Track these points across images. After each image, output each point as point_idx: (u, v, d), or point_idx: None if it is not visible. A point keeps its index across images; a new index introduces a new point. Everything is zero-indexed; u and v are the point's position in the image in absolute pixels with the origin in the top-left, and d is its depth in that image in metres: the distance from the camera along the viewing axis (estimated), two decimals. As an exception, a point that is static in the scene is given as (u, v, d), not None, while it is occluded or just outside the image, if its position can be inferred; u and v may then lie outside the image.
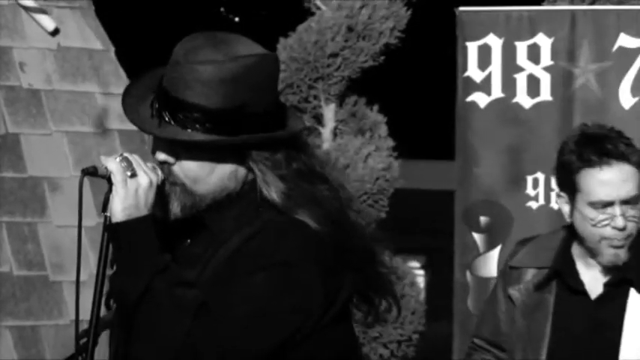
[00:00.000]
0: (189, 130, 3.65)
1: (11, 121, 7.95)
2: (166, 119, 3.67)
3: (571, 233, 4.97)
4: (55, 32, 8.29)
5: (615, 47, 6.95)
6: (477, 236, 7.19)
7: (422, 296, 9.40)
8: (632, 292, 4.88)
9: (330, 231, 3.66)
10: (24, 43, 8.24)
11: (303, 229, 3.63)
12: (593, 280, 4.94)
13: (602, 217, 4.76)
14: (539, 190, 7.06)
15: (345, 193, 3.86)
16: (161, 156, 3.69)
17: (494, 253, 7.09)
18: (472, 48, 7.14)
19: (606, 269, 4.88)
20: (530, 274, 5.02)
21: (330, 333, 3.69)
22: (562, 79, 7.06)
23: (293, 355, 3.64)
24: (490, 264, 7.10)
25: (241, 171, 3.71)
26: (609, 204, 4.74)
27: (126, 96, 3.79)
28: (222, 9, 19.27)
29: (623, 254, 4.82)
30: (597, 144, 4.78)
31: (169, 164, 3.69)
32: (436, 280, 9.31)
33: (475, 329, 5.28)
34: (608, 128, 4.96)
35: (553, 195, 6.94)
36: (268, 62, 3.73)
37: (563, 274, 4.95)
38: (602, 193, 4.74)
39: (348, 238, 3.73)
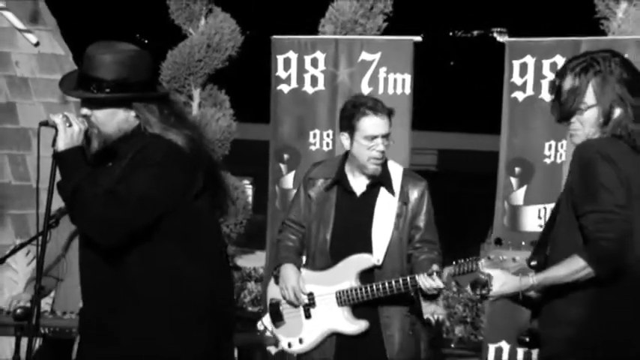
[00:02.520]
0: (95, 93, 3.70)
1: (10, 95, 7.90)
2: (83, 88, 3.73)
3: (344, 159, 4.99)
4: (37, 44, 8.21)
5: (359, 59, 7.01)
6: (282, 165, 7.18)
7: (250, 199, 9.36)
8: (382, 189, 4.90)
9: (189, 146, 3.72)
10: (17, 50, 8.14)
11: (170, 143, 3.69)
12: (358, 185, 4.93)
13: (371, 144, 4.80)
14: (317, 140, 7.09)
15: (201, 131, 3.95)
16: (83, 110, 3.74)
17: (291, 175, 7.12)
18: (280, 59, 7.15)
19: (368, 177, 4.90)
20: (320, 182, 5.01)
21: (192, 207, 3.74)
22: (330, 77, 7.08)
23: (171, 221, 3.69)
24: (288, 181, 7.12)
25: (131, 118, 3.74)
26: (375, 137, 4.80)
27: (61, 81, 3.87)
28: (137, 35, 18.98)
29: (380, 168, 4.87)
30: (369, 103, 4.87)
31: (88, 116, 3.73)
32: (258, 191, 9.30)
33: (286, 214, 5.21)
34: (370, 97, 5.15)
35: (324, 142, 7.09)
36: (143, 55, 3.79)
37: (341, 181, 4.95)
38: (372, 131, 4.80)
39: (201, 152, 3.78)
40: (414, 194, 4.91)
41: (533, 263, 3.80)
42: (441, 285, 4.58)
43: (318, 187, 5.00)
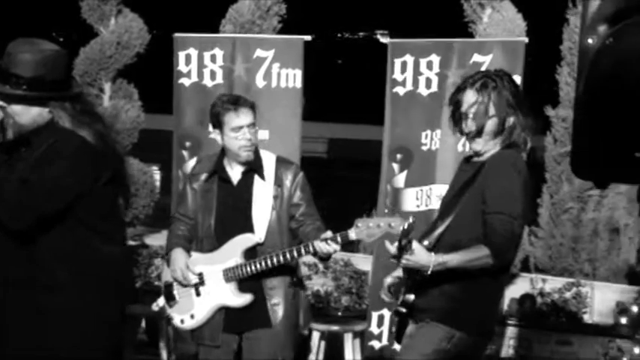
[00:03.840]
0: (13, 88, 3.59)
1: None
2: (2, 82, 3.61)
3: (221, 153, 5.00)
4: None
5: (255, 56, 6.89)
6: (184, 152, 7.06)
7: (157, 183, 9.33)
8: (256, 176, 4.93)
9: (98, 142, 3.63)
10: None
11: (81, 139, 3.60)
12: (234, 174, 4.96)
13: (238, 134, 4.84)
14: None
15: (110, 126, 3.85)
16: (0, 102, 3.62)
17: (193, 161, 6.84)
18: (181, 55, 6.99)
19: (242, 165, 4.92)
20: (203, 176, 5.02)
21: (99, 194, 3.67)
22: (227, 72, 6.92)
23: (78, 208, 3.63)
24: (190, 166, 6.96)
25: (45, 113, 3.65)
26: (241, 127, 4.83)
27: None
28: (53, 33, 18.94)
29: (252, 154, 4.89)
30: (230, 99, 4.92)
31: (4, 107, 3.62)
32: (165, 176, 9.21)
33: (176, 208, 5.25)
34: (232, 94, 5.21)
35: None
36: (61, 54, 3.69)
37: (219, 172, 4.98)
38: (237, 122, 4.83)
39: (109, 148, 3.70)
40: (287, 177, 4.95)
41: (425, 243, 3.94)
42: (337, 248, 4.61)
43: (201, 180, 5.03)
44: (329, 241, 4.58)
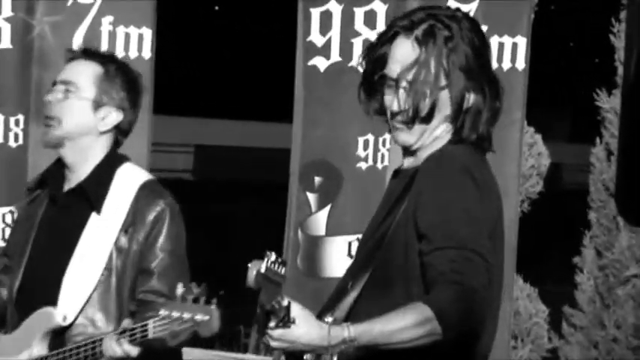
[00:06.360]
0: None
1: None
2: None
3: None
4: None
5: (69, 2, 6.86)
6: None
7: None
8: (94, 214, 4.85)
9: None
10: None
11: None
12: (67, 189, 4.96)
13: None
14: (-1, 129, 6.95)
15: None
16: None
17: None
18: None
19: (70, 174, 4.93)
20: (37, 192, 5.05)
21: None
22: (22, 29, 6.87)
23: None
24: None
25: None
26: (54, 84, 4.96)
27: None
28: None
29: (51, 137, 4.91)
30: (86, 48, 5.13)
31: None
32: None
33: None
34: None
35: (11, 134, 6.92)
36: None
37: (50, 182, 4.99)
38: (58, 76, 4.99)
39: None
40: (146, 219, 4.89)
41: (328, 319, 3.80)
42: (132, 352, 4.46)
43: (26, 200, 5.12)
44: (121, 339, 4.45)
